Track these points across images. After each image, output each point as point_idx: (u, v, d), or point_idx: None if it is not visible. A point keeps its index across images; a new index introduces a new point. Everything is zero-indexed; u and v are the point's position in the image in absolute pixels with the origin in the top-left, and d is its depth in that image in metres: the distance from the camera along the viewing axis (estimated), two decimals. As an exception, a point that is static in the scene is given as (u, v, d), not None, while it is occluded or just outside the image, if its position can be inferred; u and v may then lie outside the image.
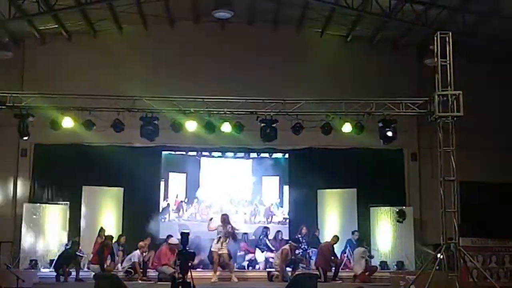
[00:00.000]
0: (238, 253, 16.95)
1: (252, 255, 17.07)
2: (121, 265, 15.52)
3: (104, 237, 15.47)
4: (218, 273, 14.83)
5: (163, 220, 18.31)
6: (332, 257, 15.47)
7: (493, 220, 17.27)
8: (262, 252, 16.91)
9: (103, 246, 15.13)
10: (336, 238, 16.09)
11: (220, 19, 18.17)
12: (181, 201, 18.82)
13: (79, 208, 17.41)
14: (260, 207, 19.03)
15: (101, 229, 15.91)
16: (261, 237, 17.23)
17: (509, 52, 17.87)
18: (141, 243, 15.25)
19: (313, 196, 18.37)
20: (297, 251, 15.69)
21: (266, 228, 17.59)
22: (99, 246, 15.27)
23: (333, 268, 15.38)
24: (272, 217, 18.84)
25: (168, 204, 18.75)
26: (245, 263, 17.01)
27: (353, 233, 17.18)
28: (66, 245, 16.15)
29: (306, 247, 16.70)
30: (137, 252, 15.03)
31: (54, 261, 15.24)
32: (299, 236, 16.53)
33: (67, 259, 14.75)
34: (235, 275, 14.95)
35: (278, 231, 17.56)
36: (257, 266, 16.82)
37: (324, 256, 15.31)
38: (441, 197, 13.84)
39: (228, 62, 18.50)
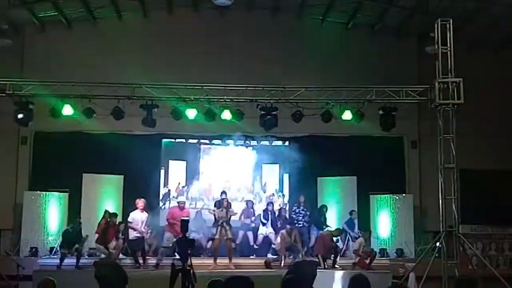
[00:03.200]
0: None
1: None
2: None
3: (109, 217, 15.40)
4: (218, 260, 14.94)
5: (163, 207, 18.34)
6: (332, 246, 15.48)
7: (493, 207, 17.29)
8: (265, 225, 16.97)
9: (108, 225, 15.11)
10: (338, 231, 16.07)
11: (220, 6, 18.10)
12: (183, 187, 18.84)
13: (79, 195, 17.41)
14: (261, 192, 19.03)
15: (106, 212, 15.80)
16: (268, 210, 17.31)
17: (509, 39, 17.86)
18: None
19: (313, 183, 18.36)
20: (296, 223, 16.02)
21: (272, 203, 17.70)
22: (104, 226, 15.23)
23: (333, 256, 15.41)
24: (272, 205, 18.78)
25: (169, 190, 18.77)
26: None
27: (351, 213, 17.24)
28: (68, 226, 15.96)
29: (306, 220, 16.77)
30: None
31: (59, 242, 15.17)
32: (295, 206, 16.52)
33: (72, 237, 14.74)
34: (233, 264, 15.02)
35: (281, 208, 17.62)
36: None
37: (324, 244, 15.33)
38: (441, 185, 13.86)
39: (228, 49, 18.44)
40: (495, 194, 17.55)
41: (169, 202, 18.60)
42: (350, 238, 16.81)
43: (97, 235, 15.21)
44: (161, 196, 18.52)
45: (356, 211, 17.46)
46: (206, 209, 17.94)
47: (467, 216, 16.52)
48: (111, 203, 17.63)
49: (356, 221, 17.31)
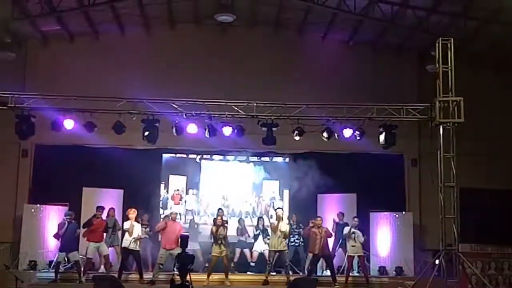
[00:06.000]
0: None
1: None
2: None
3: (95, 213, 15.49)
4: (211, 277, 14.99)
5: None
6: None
7: (493, 226, 17.26)
8: (257, 240, 17.06)
9: (92, 217, 15.19)
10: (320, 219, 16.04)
11: (222, 22, 18.19)
12: (180, 199, 18.85)
13: (79, 209, 17.34)
14: (260, 207, 19.04)
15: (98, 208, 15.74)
16: (258, 225, 17.36)
17: (510, 59, 17.91)
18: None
19: (313, 200, 18.32)
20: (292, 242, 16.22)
21: (261, 218, 17.74)
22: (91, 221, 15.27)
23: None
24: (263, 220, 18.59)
25: (167, 198, 18.81)
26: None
27: (338, 215, 17.26)
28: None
29: (300, 239, 16.80)
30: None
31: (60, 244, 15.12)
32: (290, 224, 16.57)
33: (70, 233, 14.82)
34: (228, 280, 15.05)
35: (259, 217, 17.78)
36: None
37: (315, 238, 15.31)
38: (441, 203, 13.86)
39: (230, 65, 18.53)
40: (495, 213, 17.52)
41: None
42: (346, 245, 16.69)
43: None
44: (161, 206, 18.49)
45: (344, 213, 17.34)
46: (203, 224, 17.99)
47: (467, 235, 16.49)
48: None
49: (347, 220, 17.05)
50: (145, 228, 15.84)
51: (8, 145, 17.87)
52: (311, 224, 15.82)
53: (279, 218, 15.39)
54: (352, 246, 15.65)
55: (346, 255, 16.05)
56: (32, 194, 18.16)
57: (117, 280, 13.13)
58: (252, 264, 17.12)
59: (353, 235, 15.67)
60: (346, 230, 15.97)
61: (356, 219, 16.47)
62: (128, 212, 15.30)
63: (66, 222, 15.02)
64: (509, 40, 16.85)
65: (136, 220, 15.31)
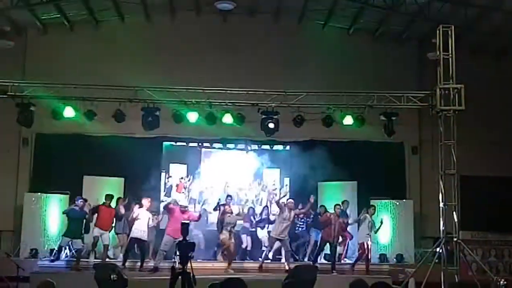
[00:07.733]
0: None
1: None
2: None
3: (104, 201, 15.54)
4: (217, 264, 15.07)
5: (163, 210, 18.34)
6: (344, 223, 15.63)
7: (493, 214, 17.26)
8: (263, 228, 16.95)
9: (97, 206, 15.25)
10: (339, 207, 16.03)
11: (222, 11, 18.14)
12: (184, 188, 18.87)
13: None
14: (262, 195, 19.03)
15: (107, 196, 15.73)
16: (262, 213, 17.34)
17: (510, 46, 17.88)
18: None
19: (313, 188, 18.30)
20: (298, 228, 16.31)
21: (267, 206, 17.74)
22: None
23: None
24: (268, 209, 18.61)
25: (171, 186, 18.83)
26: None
27: (342, 203, 17.09)
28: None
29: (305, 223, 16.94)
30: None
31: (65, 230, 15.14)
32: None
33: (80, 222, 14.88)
34: (231, 267, 15.08)
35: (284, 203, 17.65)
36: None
37: (332, 225, 15.34)
38: (441, 191, 13.87)
39: (230, 53, 18.49)
40: (495, 201, 17.51)
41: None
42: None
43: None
44: (163, 193, 18.51)
45: (348, 201, 17.15)
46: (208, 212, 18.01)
47: (467, 222, 16.51)
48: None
49: (349, 211, 16.96)
50: (153, 215, 15.78)
51: (9, 134, 17.88)
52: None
53: (291, 208, 15.40)
54: (367, 234, 15.64)
55: (359, 242, 15.99)
56: (32, 183, 18.18)
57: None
58: (249, 249, 17.13)
59: (365, 221, 15.70)
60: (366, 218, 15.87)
61: (346, 202, 16.57)
62: (144, 201, 15.24)
63: (79, 208, 15.00)
64: (509, 28, 16.81)
65: (148, 210, 15.28)
